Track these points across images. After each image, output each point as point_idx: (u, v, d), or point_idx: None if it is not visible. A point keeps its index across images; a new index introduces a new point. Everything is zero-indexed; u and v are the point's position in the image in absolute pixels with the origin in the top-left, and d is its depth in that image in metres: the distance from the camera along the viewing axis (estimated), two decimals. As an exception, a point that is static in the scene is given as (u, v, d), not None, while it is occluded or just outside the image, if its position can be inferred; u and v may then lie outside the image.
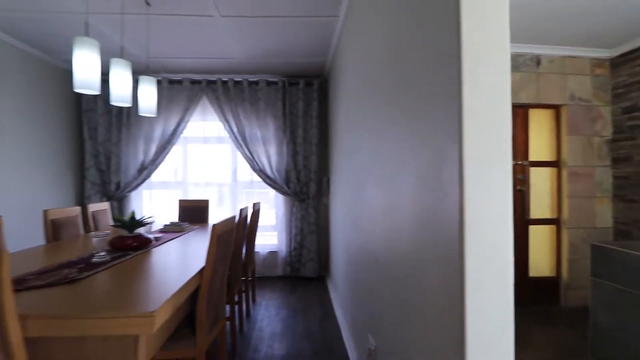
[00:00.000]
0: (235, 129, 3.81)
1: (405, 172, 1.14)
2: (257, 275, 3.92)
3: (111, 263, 1.64)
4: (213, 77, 3.83)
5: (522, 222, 3.02)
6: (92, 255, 1.73)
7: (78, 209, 2.58)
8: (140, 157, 3.82)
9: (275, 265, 4.04)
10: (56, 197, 3.42)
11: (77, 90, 1.56)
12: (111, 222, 3.06)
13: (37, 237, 3.09)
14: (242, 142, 3.82)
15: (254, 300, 3.21)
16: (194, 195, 4.02)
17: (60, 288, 1.30)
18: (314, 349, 2.32)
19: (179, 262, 1.72)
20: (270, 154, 3.89)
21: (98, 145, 3.77)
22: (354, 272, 2.13)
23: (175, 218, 3.89)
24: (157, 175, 3.96)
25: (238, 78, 3.85)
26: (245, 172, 4.05)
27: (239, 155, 3.96)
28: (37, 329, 1.04)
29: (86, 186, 3.76)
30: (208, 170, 4.06)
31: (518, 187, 3.00)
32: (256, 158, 3.85)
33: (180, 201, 3.40)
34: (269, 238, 4.11)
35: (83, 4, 2.27)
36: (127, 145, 3.78)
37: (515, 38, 2.75)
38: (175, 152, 3.96)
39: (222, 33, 2.79)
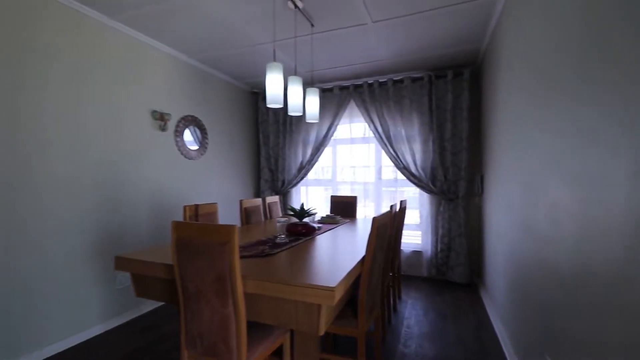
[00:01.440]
0: (379, 129, 3.94)
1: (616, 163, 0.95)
2: (401, 273, 3.94)
3: (289, 245, 2.00)
4: (359, 81, 4.08)
5: None
6: (275, 237, 2.15)
7: (260, 200, 3.24)
8: (299, 159, 4.45)
9: (419, 266, 3.96)
10: (242, 191, 4.39)
11: (269, 105, 1.98)
12: (280, 212, 3.69)
13: (232, 219, 4.06)
14: (387, 140, 3.91)
15: (399, 297, 3.25)
16: (341, 192, 4.39)
17: (260, 260, 1.68)
18: (467, 357, 2.17)
19: (342, 249, 1.93)
20: (415, 151, 3.83)
21: (269, 150, 4.61)
22: (522, 283, 1.88)
23: (326, 211, 4.34)
24: (311, 174, 4.52)
25: (383, 79, 3.97)
26: (390, 170, 4.13)
27: (383, 154, 4.07)
28: (251, 287, 1.38)
29: (261, 183, 4.66)
30: (354, 168, 4.34)
31: None
32: (400, 156, 3.87)
33: (332, 197, 3.77)
34: (413, 237, 4.06)
35: (266, 36, 2.84)
36: (290, 148, 4.47)
37: None
38: (326, 153, 4.42)
39: (371, 38, 2.95)
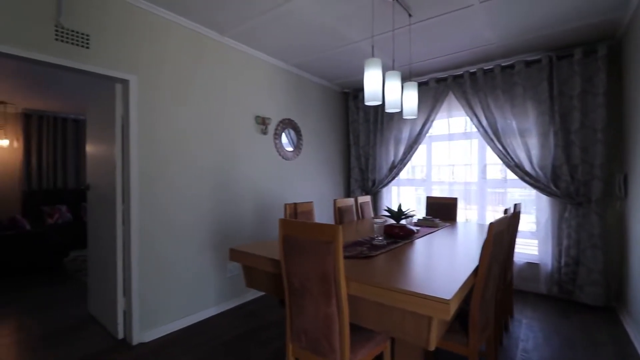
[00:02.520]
0: (484, 122, 3.52)
1: None
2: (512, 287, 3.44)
3: (388, 247, 1.91)
4: (459, 71, 3.71)
5: None
6: (372, 238, 2.08)
7: (352, 199, 3.22)
8: (391, 157, 4.30)
9: (535, 280, 3.40)
10: (333, 190, 4.46)
11: (367, 103, 1.94)
12: (372, 213, 3.62)
13: (326, 218, 4.17)
14: (493, 135, 3.47)
15: (511, 315, 2.83)
16: (436, 192, 4.07)
17: (359, 261, 1.64)
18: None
19: (446, 256, 1.75)
20: (530, 146, 3.30)
21: (359, 149, 4.57)
22: None
23: (421, 213, 4.08)
24: (403, 173, 4.31)
25: (488, 66, 3.53)
26: (496, 169, 3.66)
27: (489, 150, 3.63)
28: (354, 289, 1.35)
29: (351, 182, 4.66)
30: (453, 167, 3.98)
31: None
32: (510, 152, 3.39)
33: (429, 198, 3.52)
34: (527, 246, 3.51)
35: (361, 33, 2.80)
36: (380, 147, 4.35)
37: None
38: (420, 151, 4.16)
39: (476, 21, 2.63)
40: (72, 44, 2.03)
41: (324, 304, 1.37)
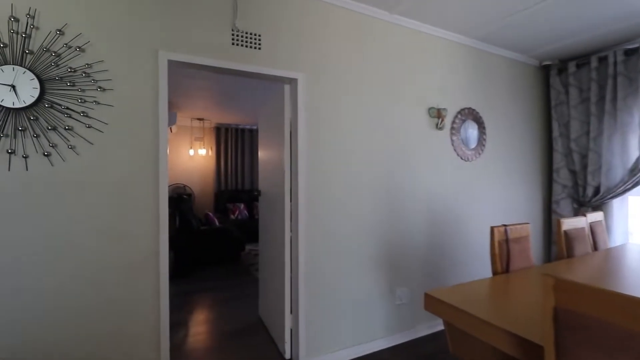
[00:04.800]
0: None
1: None
2: None
3: None
4: None
5: None
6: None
7: (584, 220, 2.15)
8: (633, 154, 2.84)
9: None
10: (526, 200, 3.32)
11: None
12: (607, 239, 2.39)
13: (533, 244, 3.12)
14: None
15: None
16: None
17: None
18: None
19: None
20: None
21: (570, 142, 3.25)
22: None
23: None
24: (658, 177, 2.77)
25: None
26: None
27: None
28: None
29: (554, 189, 3.38)
30: None
31: None
32: None
33: None
34: None
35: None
36: (611, 138, 2.94)
37: None
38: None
39: None
40: (246, 46, 1.94)
41: None
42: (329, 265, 2.23)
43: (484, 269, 2.97)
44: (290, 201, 2.24)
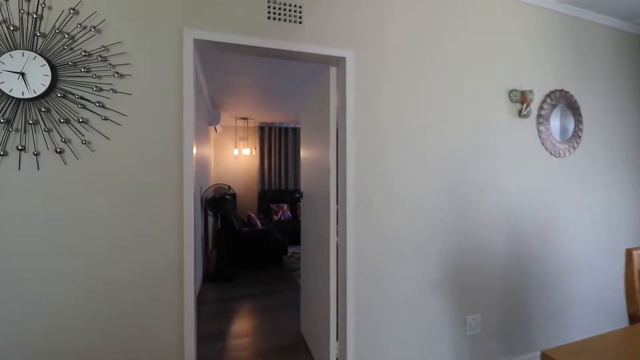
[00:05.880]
0: None
1: None
2: None
3: None
4: None
5: None
6: None
7: None
8: None
9: None
10: (633, 208, 2.60)
11: None
12: None
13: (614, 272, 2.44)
14: None
15: None
16: None
17: None
18: None
19: None
20: None
21: (702, 132, 2.48)
22: None
23: None
24: None
25: None
26: None
27: None
28: None
29: (677, 193, 2.61)
30: None
31: None
32: None
33: None
34: None
35: None
36: None
37: None
38: None
39: None
40: (285, 20, 1.62)
41: None
42: (384, 284, 1.83)
43: (585, 295, 2.35)
44: (337, 205, 1.89)
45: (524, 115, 2.14)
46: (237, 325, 2.75)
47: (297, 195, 2.58)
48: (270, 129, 6.66)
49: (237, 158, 6.50)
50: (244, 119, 6.26)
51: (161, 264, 1.43)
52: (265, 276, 4.10)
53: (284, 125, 6.76)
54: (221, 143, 6.43)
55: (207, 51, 2.88)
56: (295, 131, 6.85)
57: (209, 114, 5.02)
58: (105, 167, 1.37)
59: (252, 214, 5.06)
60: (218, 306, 3.15)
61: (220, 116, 5.32)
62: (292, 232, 5.53)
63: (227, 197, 4.39)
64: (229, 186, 6.36)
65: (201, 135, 4.09)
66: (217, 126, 5.85)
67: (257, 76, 3.80)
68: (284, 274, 4.20)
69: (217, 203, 4.01)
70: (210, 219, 4.76)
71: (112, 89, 1.37)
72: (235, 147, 6.46)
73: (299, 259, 4.81)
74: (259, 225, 4.90)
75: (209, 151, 5.20)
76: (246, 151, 6.48)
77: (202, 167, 4.31)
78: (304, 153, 2.51)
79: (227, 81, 3.98)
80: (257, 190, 6.59)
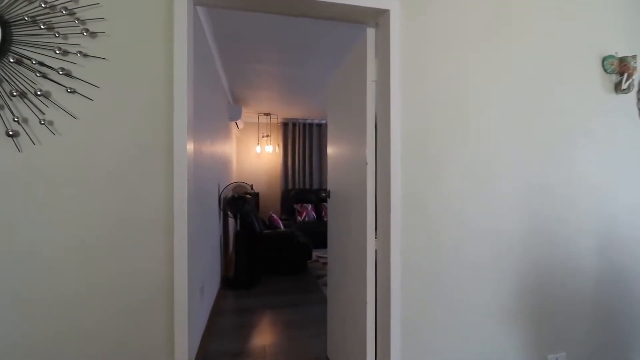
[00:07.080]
0: None
1: None
2: None
3: None
4: None
5: None
6: None
7: None
8: None
9: None
10: None
11: None
12: None
13: None
14: None
15: None
16: None
17: None
18: None
19: None
20: None
21: None
22: None
23: None
24: None
25: None
26: None
27: None
28: None
29: None
30: None
31: None
32: None
33: None
34: None
35: None
36: None
37: None
38: None
39: None
40: (309, -38, 1.23)
41: None
42: (439, 306, 1.39)
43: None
44: (376, 206, 1.47)
45: (623, 90, 1.61)
46: (253, 343, 2.40)
47: (324, 194, 2.19)
48: (294, 125, 6.33)
49: (259, 156, 6.22)
50: (266, 114, 5.96)
51: (145, 288, 1.08)
52: (288, 284, 3.74)
53: (309, 121, 6.40)
54: (243, 140, 6.17)
55: (215, 17, 2.56)
56: (321, 127, 6.47)
57: (230, 109, 4.75)
58: (71, 155, 1.04)
59: (273, 215, 4.74)
60: (234, 318, 2.82)
61: (241, 111, 5.04)
62: (317, 234, 5.15)
63: (247, 196, 4.09)
64: (251, 185, 6.08)
65: (222, 131, 3.81)
66: (239, 122, 5.60)
67: (279, 64, 3.45)
68: (308, 281, 3.82)
69: (235, 202, 3.70)
70: (231, 221, 4.49)
71: (81, 52, 1.04)
72: (258, 144, 6.18)
73: (324, 263, 4.42)
74: (281, 227, 4.56)
75: (230, 148, 4.94)
76: (269, 148, 6.18)
77: (223, 165, 4.03)
78: (332, 147, 2.12)
79: (248, 70, 3.67)
80: (280, 189, 6.27)
